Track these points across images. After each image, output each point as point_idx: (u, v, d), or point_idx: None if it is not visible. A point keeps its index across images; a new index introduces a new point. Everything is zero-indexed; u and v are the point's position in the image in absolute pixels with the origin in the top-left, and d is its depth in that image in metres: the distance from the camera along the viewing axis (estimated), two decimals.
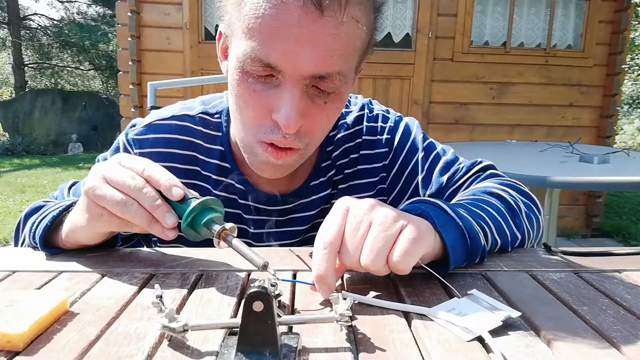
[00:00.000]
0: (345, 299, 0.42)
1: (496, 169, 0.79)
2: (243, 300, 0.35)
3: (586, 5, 3.48)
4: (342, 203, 0.50)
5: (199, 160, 0.75)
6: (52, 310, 0.41)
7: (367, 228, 0.47)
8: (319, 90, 0.59)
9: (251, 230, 0.77)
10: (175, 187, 0.51)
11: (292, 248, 0.63)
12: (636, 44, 8.71)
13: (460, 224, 0.54)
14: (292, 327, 0.42)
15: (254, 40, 0.55)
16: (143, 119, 0.77)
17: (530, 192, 0.74)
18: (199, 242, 0.55)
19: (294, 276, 0.54)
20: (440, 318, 0.42)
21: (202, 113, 0.76)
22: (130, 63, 3.34)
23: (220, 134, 0.75)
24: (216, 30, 0.66)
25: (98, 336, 0.40)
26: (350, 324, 0.39)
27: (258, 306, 0.34)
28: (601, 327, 0.42)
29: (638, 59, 9.52)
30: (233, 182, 0.75)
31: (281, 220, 0.77)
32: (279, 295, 0.41)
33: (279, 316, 0.38)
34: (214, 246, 0.70)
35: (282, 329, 0.41)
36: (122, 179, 0.51)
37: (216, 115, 0.76)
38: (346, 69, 0.58)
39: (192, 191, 0.53)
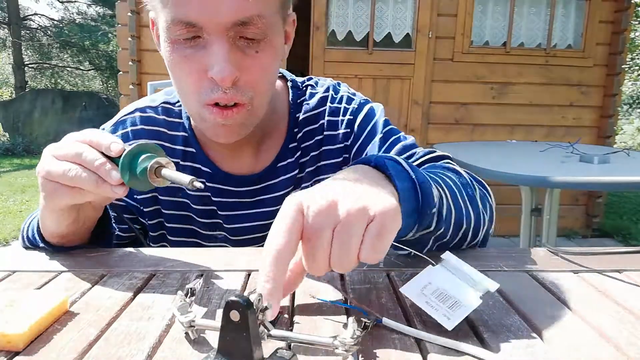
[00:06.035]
0: (354, 323, 0.36)
1: (452, 161, 0.75)
2: (222, 308, 0.33)
3: (586, 5, 3.48)
4: (293, 200, 0.42)
5: (165, 147, 0.77)
6: (52, 310, 0.41)
7: (330, 226, 0.40)
8: (247, 39, 0.60)
9: (221, 213, 0.77)
10: (114, 143, 0.51)
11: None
12: (636, 44, 8.71)
13: (413, 176, 0.50)
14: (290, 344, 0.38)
15: (171, 5, 0.58)
16: (110, 120, 0.81)
17: (484, 182, 0.71)
18: (198, 243, 0.54)
19: None
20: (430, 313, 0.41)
21: (164, 103, 0.79)
22: (130, 63, 3.34)
23: (181, 120, 0.78)
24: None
25: (98, 336, 0.40)
26: (350, 354, 0.35)
27: (234, 316, 0.32)
28: (601, 327, 0.42)
29: (638, 59, 9.52)
30: (200, 166, 0.77)
31: (250, 201, 0.78)
32: (266, 308, 0.36)
33: (268, 330, 0.36)
34: (208, 238, 0.68)
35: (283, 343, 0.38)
36: (66, 151, 0.52)
37: (177, 104, 0.79)
38: (267, 12, 0.60)
39: None
